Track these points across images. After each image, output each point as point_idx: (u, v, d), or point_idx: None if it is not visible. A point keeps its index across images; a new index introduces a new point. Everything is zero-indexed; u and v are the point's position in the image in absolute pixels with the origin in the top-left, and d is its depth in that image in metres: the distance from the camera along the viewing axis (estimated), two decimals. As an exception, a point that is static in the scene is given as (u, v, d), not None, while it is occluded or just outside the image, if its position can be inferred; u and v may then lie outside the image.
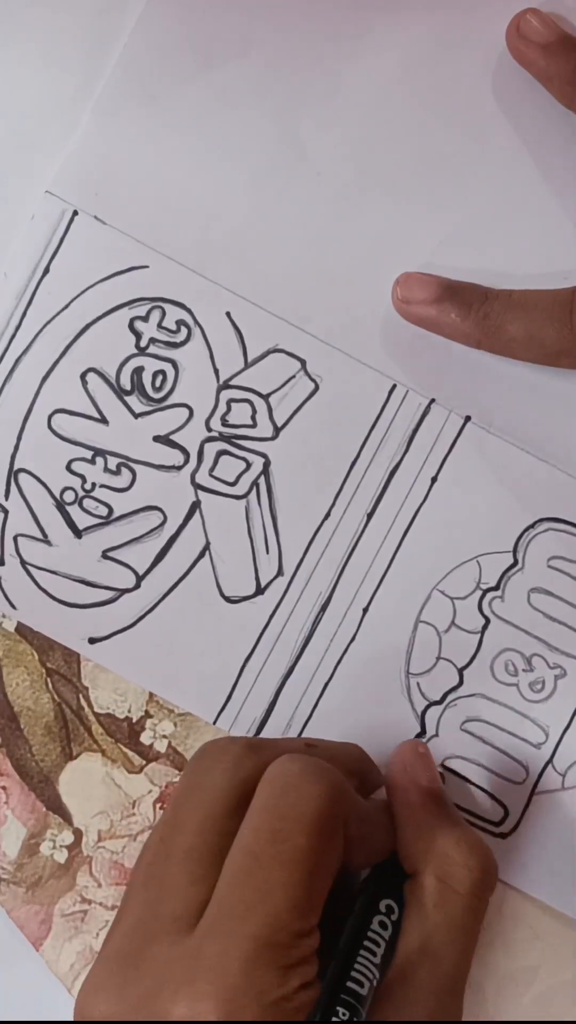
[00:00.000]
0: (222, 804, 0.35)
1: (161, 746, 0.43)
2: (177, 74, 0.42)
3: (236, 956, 0.32)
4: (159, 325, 0.42)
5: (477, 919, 0.37)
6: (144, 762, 0.43)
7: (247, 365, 0.42)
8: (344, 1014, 0.34)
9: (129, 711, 0.43)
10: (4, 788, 0.42)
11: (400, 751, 0.41)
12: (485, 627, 0.42)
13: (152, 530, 0.42)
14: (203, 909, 0.34)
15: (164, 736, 0.43)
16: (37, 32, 0.42)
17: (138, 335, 0.42)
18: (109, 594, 0.42)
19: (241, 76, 0.42)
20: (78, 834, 0.42)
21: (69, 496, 0.42)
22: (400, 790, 0.40)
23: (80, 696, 0.43)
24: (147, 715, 0.42)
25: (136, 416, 0.42)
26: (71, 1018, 0.40)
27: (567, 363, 0.41)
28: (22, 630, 0.42)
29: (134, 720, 0.43)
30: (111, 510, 0.42)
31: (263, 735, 0.42)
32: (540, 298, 0.40)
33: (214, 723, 0.42)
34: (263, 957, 0.32)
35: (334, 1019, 0.33)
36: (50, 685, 0.43)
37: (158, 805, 0.43)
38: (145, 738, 0.43)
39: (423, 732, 0.42)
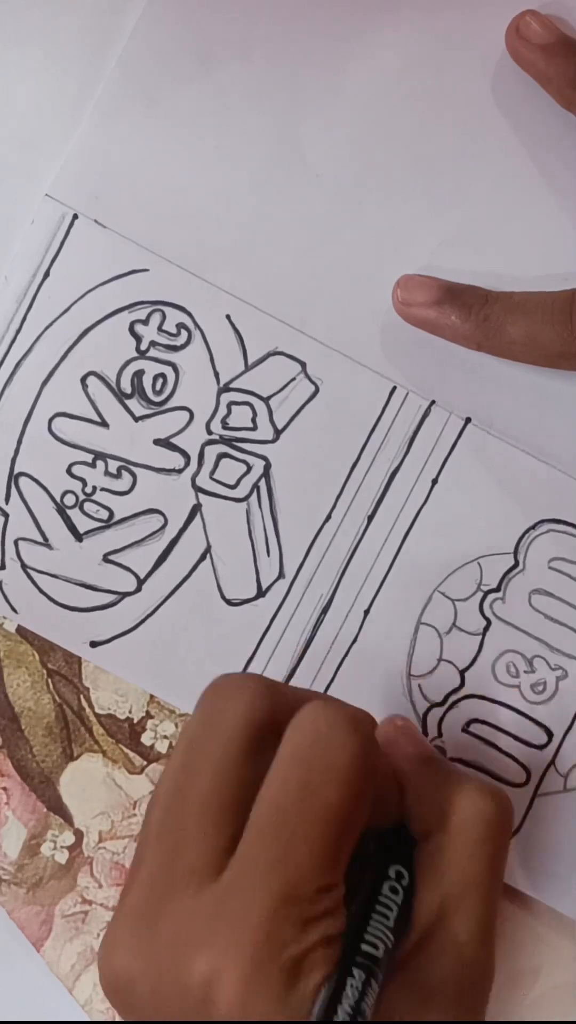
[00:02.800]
0: (238, 749, 0.34)
1: (162, 747, 0.43)
2: (176, 76, 0.42)
3: (258, 911, 0.32)
4: (159, 328, 0.42)
5: (497, 865, 0.37)
6: (145, 763, 0.43)
7: (247, 368, 0.42)
8: (360, 976, 0.33)
9: (130, 712, 0.43)
10: (5, 789, 0.43)
11: (382, 729, 0.40)
12: (486, 629, 0.42)
13: (153, 533, 0.42)
14: (222, 860, 0.33)
15: (165, 737, 0.43)
16: (37, 35, 0.42)
17: (138, 338, 0.42)
18: (110, 597, 0.42)
19: (241, 78, 0.42)
20: (79, 835, 0.43)
21: (70, 499, 0.42)
22: (394, 761, 0.39)
23: (81, 697, 0.43)
24: (148, 716, 0.43)
25: (136, 419, 0.42)
26: (72, 1018, 0.41)
27: (567, 365, 0.41)
28: (23, 631, 0.43)
29: (135, 721, 0.43)
30: (112, 513, 0.42)
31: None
32: (540, 300, 0.40)
33: (215, 725, 0.42)
34: (285, 912, 0.32)
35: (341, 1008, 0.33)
36: (51, 686, 0.43)
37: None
38: (146, 739, 0.43)
39: (424, 734, 0.42)
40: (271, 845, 0.33)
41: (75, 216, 0.42)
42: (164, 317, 0.42)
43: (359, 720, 0.34)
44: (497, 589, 0.42)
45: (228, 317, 0.42)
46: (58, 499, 0.42)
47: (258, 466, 0.42)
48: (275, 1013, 0.31)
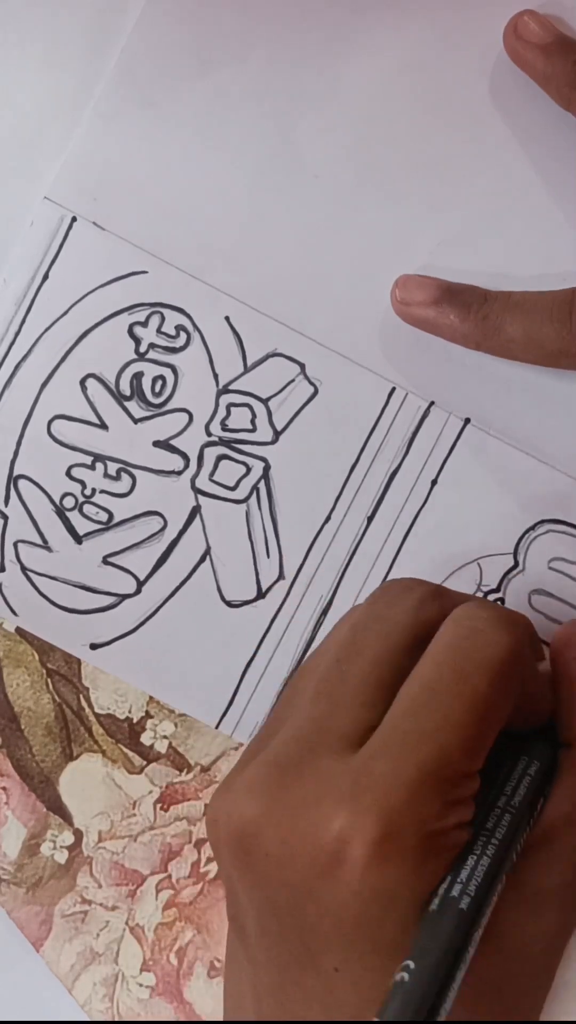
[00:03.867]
0: (403, 639, 0.35)
1: (162, 747, 0.43)
2: (175, 78, 0.42)
3: (403, 780, 0.32)
4: (158, 330, 0.42)
5: None
6: (144, 763, 0.43)
7: (246, 369, 0.42)
8: (488, 864, 0.33)
9: (130, 711, 0.43)
10: (4, 788, 0.43)
11: (566, 627, 0.40)
12: (486, 629, 0.42)
13: (152, 535, 0.42)
14: (369, 734, 0.34)
15: (164, 737, 0.43)
16: (37, 35, 0.42)
17: (137, 340, 0.42)
18: (110, 599, 0.43)
19: (239, 79, 0.42)
20: (78, 835, 0.43)
21: (69, 502, 0.42)
22: (563, 662, 0.39)
23: (80, 696, 0.43)
24: (147, 716, 0.43)
25: (136, 421, 0.42)
26: (71, 1018, 0.41)
27: (567, 364, 0.40)
28: (22, 631, 0.43)
29: (134, 721, 0.43)
30: (111, 515, 0.42)
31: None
32: (539, 299, 0.40)
33: (216, 727, 0.42)
34: (429, 786, 0.32)
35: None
36: (50, 686, 0.43)
37: (158, 806, 0.43)
38: (145, 739, 0.43)
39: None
40: (421, 720, 0.33)
41: (74, 218, 0.42)
42: (163, 319, 0.42)
43: (515, 619, 0.35)
44: (497, 589, 0.42)
45: (227, 319, 0.42)
46: (57, 501, 0.42)
47: (257, 467, 0.42)
48: (404, 883, 0.32)
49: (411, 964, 0.31)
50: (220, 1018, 0.42)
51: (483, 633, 0.34)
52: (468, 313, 0.40)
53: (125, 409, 0.42)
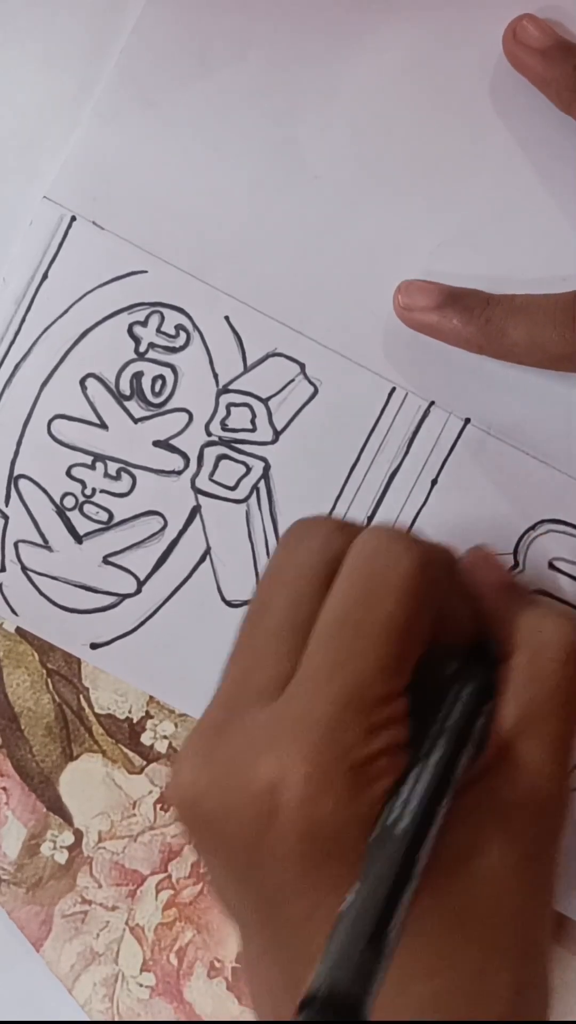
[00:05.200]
0: (311, 581, 0.35)
1: (162, 747, 0.43)
2: (175, 78, 0.42)
3: (321, 715, 0.32)
4: (158, 330, 0.42)
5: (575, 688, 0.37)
6: (145, 763, 0.43)
7: (246, 369, 0.42)
8: (430, 782, 0.32)
9: (130, 712, 0.43)
10: (4, 789, 0.43)
11: (472, 552, 0.40)
12: (486, 629, 0.42)
13: (153, 535, 0.42)
14: (290, 679, 0.34)
15: (165, 737, 0.43)
16: (35, 36, 0.42)
17: (137, 340, 0.42)
18: (110, 599, 0.43)
19: (239, 79, 0.42)
20: (78, 835, 0.43)
21: (69, 502, 0.42)
22: (475, 589, 0.39)
23: (80, 697, 0.43)
24: (148, 716, 0.43)
25: (136, 421, 0.42)
26: (71, 1018, 0.41)
27: (569, 367, 0.40)
28: (22, 631, 0.43)
29: (135, 721, 0.43)
30: (111, 515, 0.42)
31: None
32: (542, 302, 0.40)
33: (214, 725, 0.42)
34: (348, 716, 0.32)
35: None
36: (51, 686, 0.43)
37: (158, 806, 0.43)
38: (146, 739, 0.43)
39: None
40: (332, 652, 0.33)
41: (73, 218, 0.42)
42: (163, 319, 0.42)
43: (415, 539, 0.35)
44: (497, 589, 0.42)
45: (227, 318, 0.42)
46: (58, 501, 0.42)
47: (257, 467, 0.42)
48: (341, 815, 0.31)
49: (351, 895, 0.30)
50: (220, 1018, 0.42)
51: (387, 551, 0.34)
52: (471, 317, 0.40)
53: (125, 409, 0.42)
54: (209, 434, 0.42)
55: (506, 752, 0.35)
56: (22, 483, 0.42)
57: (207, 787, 0.33)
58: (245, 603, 0.42)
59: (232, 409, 0.42)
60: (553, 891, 0.36)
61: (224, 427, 0.42)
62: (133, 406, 0.42)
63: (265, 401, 0.42)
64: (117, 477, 0.42)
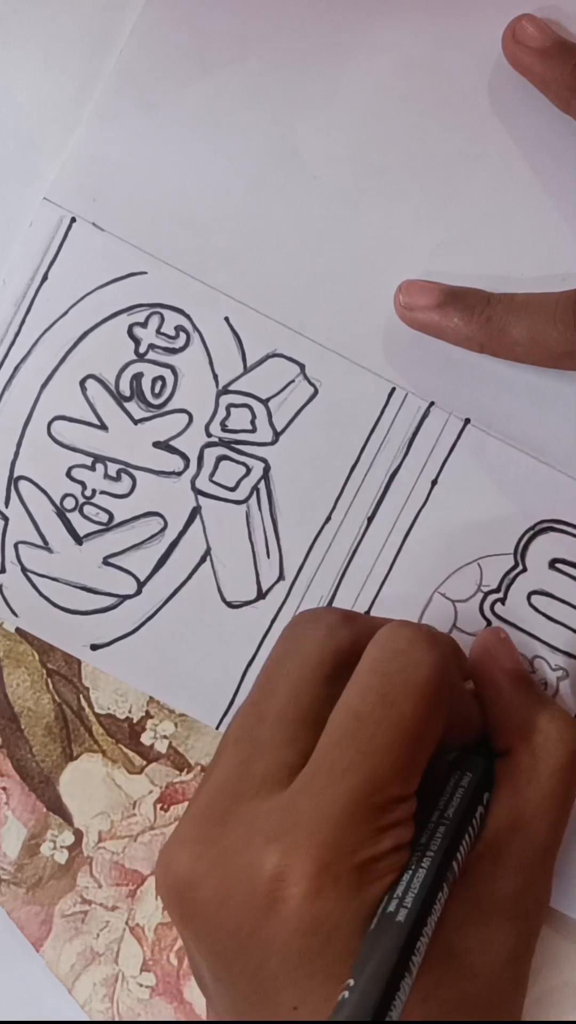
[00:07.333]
0: (316, 670, 0.35)
1: (162, 746, 0.43)
2: (174, 79, 0.42)
3: (332, 812, 0.32)
4: (158, 331, 0.42)
5: (571, 792, 0.37)
6: (145, 762, 0.43)
7: (246, 370, 0.42)
8: (427, 878, 0.33)
9: (130, 711, 0.43)
10: (4, 789, 0.43)
11: (481, 638, 0.40)
12: (486, 629, 0.42)
13: (153, 536, 0.42)
14: (294, 771, 0.34)
15: (165, 736, 0.43)
16: (35, 36, 0.42)
17: (137, 341, 0.42)
18: (110, 600, 0.43)
19: (238, 80, 0.42)
20: (78, 835, 0.43)
21: (69, 503, 0.43)
22: (486, 673, 0.39)
23: (81, 697, 0.43)
24: (148, 715, 0.43)
25: (136, 422, 0.42)
26: (71, 1018, 0.41)
27: (570, 365, 0.40)
28: (23, 631, 0.43)
29: (135, 720, 0.43)
30: (111, 516, 0.42)
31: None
32: (543, 300, 0.40)
33: (216, 727, 0.42)
34: (359, 815, 0.32)
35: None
36: (51, 686, 0.43)
37: (159, 806, 0.43)
38: (146, 738, 0.43)
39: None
40: (348, 750, 0.33)
41: (73, 219, 0.42)
42: (163, 320, 0.42)
43: (438, 638, 0.35)
44: (497, 590, 0.42)
45: (227, 319, 0.42)
46: (58, 502, 0.43)
47: (257, 468, 0.42)
48: (343, 910, 0.32)
49: (351, 982, 0.31)
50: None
51: (406, 654, 0.34)
52: (472, 316, 0.40)
53: (125, 410, 0.42)
54: (209, 435, 0.42)
55: (497, 848, 0.36)
56: (22, 484, 0.43)
57: (206, 873, 0.33)
58: (245, 604, 0.42)
59: (232, 410, 0.42)
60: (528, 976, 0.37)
61: (224, 428, 0.42)
62: (133, 407, 0.42)
63: (265, 402, 0.42)
64: (117, 478, 0.42)
